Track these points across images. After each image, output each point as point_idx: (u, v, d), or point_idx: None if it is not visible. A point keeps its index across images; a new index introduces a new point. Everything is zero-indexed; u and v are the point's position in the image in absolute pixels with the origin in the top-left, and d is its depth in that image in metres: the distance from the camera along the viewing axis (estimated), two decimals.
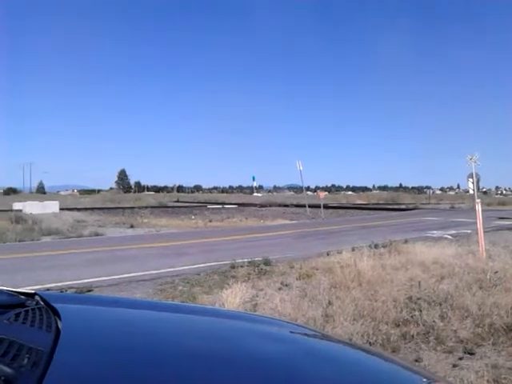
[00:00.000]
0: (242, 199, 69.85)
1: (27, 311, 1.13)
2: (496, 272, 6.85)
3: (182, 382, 0.88)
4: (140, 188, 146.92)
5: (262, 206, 46.54)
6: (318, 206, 29.96)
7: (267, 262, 8.99)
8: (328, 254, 9.81)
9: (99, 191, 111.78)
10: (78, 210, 34.49)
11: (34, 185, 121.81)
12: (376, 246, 10.62)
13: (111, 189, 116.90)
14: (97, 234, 16.71)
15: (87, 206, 40.70)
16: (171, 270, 8.98)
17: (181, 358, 1.02)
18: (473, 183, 23.48)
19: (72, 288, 7.04)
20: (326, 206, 35.76)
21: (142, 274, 8.57)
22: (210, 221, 24.23)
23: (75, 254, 11.49)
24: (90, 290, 6.90)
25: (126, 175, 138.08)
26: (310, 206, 31.56)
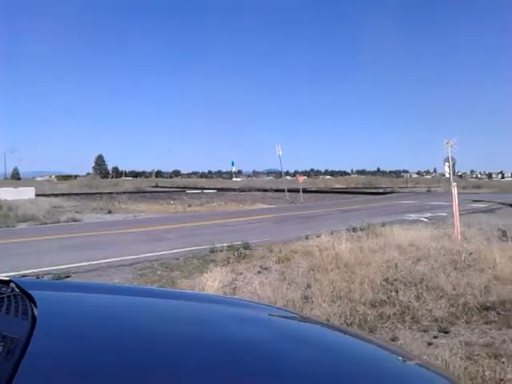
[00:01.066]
0: (221, 184, 69.84)
1: (2, 298, 1.11)
2: (470, 253, 7.01)
3: (159, 365, 0.88)
4: (118, 173, 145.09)
5: (241, 190, 46.55)
6: (297, 191, 30.09)
7: (246, 246, 9.02)
8: (307, 238, 9.89)
9: (76, 177, 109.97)
10: (55, 195, 33.97)
11: (9, 171, 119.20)
12: (354, 230, 10.74)
13: (88, 174, 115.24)
14: (74, 220, 16.51)
15: (64, 192, 40.15)
16: (150, 254, 8.94)
17: (158, 342, 1.02)
18: (449, 167, 23.87)
19: (49, 274, 6.96)
20: (305, 191, 35.92)
21: (120, 259, 8.52)
22: (189, 206, 24.15)
23: (52, 240, 11.34)
24: (67, 276, 6.82)
25: (103, 160, 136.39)
26: (289, 191, 31.71)
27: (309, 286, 5.83)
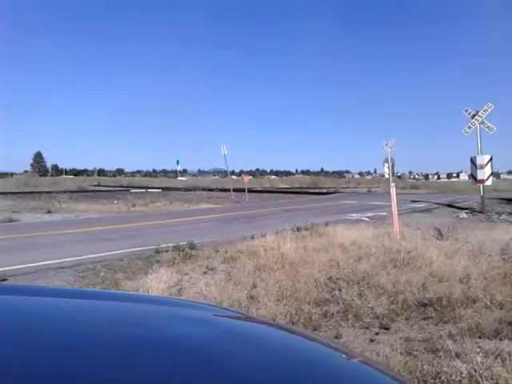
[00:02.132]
0: (166, 183, 68.98)
1: None
2: (409, 252, 7.29)
3: (100, 369, 0.86)
4: (58, 171, 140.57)
5: (186, 190, 46.13)
6: (243, 190, 30.23)
7: (192, 247, 8.95)
8: (252, 238, 9.94)
9: (12, 174, 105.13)
10: None
11: None
12: (299, 229, 10.90)
13: (26, 172, 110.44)
14: (10, 220, 15.78)
15: (0, 191, 38.30)
16: (92, 256, 8.69)
17: (100, 345, 1.00)
18: (388, 168, 24.79)
19: None
20: (251, 190, 36.15)
21: (61, 261, 8.22)
22: (134, 205, 23.67)
23: None
24: (4, 280, 6.52)
25: (42, 158, 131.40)
26: (234, 190, 31.76)
27: (255, 286, 5.86)
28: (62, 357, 0.90)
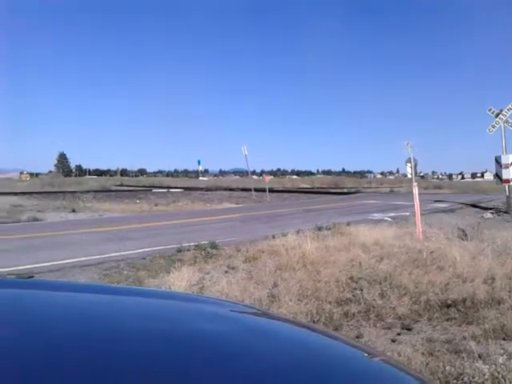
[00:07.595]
0: (187, 183, 69.37)
1: None
2: (432, 252, 7.21)
3: (120, 362, 0.88)
4: (81, 171, 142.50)
5: (207, 189, 46.33)
6: (264, 190, 30.23)
7: (214, 246, 9.00)
8: (273, 237, 9.93)
9: (37, 175, 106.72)
10: (15, 194, 33.04)
11: None
12: (320, 229, 10.86)
13: (50, 172, 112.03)
14: (36, 219, 16.06)
15: (25, 191, 38.99)
16: (116, 254, 8.81)
17: (119, 339, 1.02)
18: (411, 168, 24.42)
19: (11, 275, 6.76)
20: (272, 190, 36.09)
21: (85, 259, 8.36)
22: (156, 205, 23.89)
23: (12, 239, 11.02)
24: (30, 277, 6.62)
25: (66, 158, 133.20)
26: (255, 190, 31.78)
27: (276, 285, 5.87)
28: (83, 349, 0.92)
